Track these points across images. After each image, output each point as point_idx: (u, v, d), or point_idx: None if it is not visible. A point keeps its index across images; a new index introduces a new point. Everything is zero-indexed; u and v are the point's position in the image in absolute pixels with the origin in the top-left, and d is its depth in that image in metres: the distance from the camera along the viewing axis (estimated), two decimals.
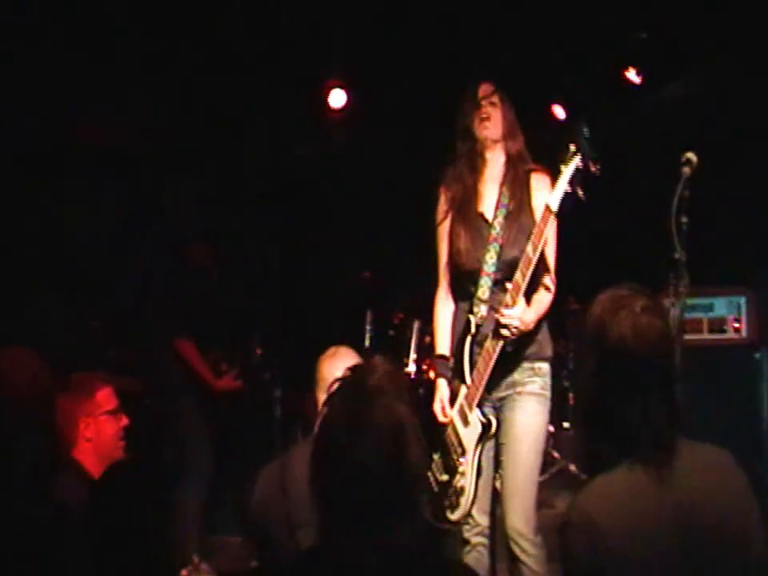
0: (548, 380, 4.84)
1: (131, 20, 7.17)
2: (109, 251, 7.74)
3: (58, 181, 7.55)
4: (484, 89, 4.96)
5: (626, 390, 3.02)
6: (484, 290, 4.85)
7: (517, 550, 4.64)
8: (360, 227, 8.15)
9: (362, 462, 2.68)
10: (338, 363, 4.33)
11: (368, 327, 7.47)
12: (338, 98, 8.28)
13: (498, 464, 4.83)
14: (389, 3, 7.54)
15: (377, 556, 2.66)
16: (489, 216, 4.92)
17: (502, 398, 4.81)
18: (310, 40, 7.70)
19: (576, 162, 4.64)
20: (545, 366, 4.84)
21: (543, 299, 4.84)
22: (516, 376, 4.81)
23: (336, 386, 2.86)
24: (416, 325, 7.10)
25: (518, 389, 4.79)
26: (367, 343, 7.44)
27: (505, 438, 4.79)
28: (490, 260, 4.84)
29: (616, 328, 3.04)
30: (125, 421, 4.74)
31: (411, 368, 6.89)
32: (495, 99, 4.94)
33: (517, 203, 4.86)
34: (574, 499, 3.04)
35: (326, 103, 8.27)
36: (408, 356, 6.97)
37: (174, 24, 7.33)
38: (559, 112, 8.24)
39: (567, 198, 4.65)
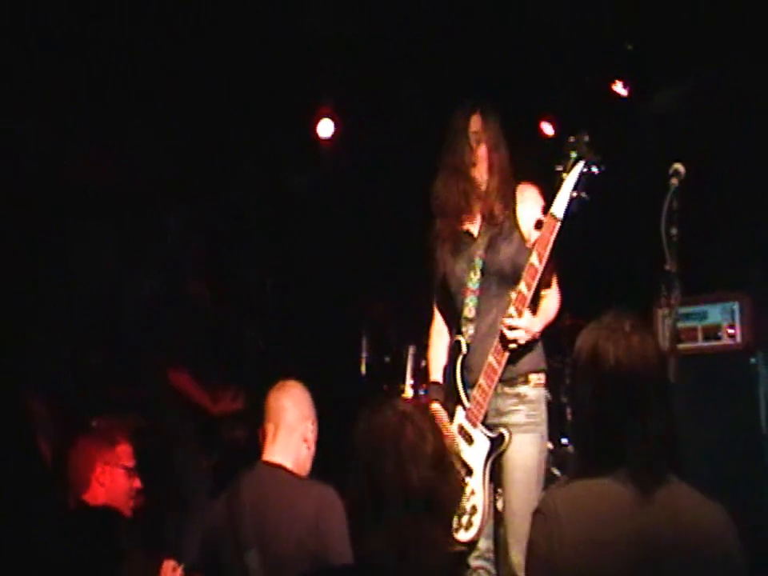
0: (537, 405, 4.81)
1: (123, 58, 7.22)
2: (108, 289, 7.76)
3: (57, 220, 7.57)
4: (474, 122, 4.97)
5: (625, 411, 3.02)
6: (470, 308, 4.87)
7: None
8: (353, 254, 8.16)
9: (409, 484, 2.83)
10: (284, 394, 4.67)
11: (364, 354, 7.48)
12: (326, 128, 8.31)
13: (497, 486, 4.82)
14: (375, 28, 7.57)
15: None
16: (474, 232, 4.95)
17: (493, 426, 4.79)
18: (298, 71, 7.73)
19: (579, 168, 4.68)
20: (531, 392, 4.80)
21: (549, 307, 4.87)
22: (499, 402, 4.80)
23: (372, 419, 3.00)
24: (411, 350, 7.09)
25: (503, 419, 4.77)
26: (363, 370, 7.46)
27: (499, 472, 4.78)
28: (474, 276, 4.86)
29: (611, 351, 3.05)
30: (137, 483, 4.85)
31: (408, 393, 6.88)
32: (484, 134, 4.96)
33: (502, 217, 4.89)
34: (548, 493, 3.08)
35: (315, 133, 8.30)
36: (404, 381, 6.97)
37: (165, 61, 7.38)
38: (548, 129, 8.25)
39: (573, 203, 4.68)
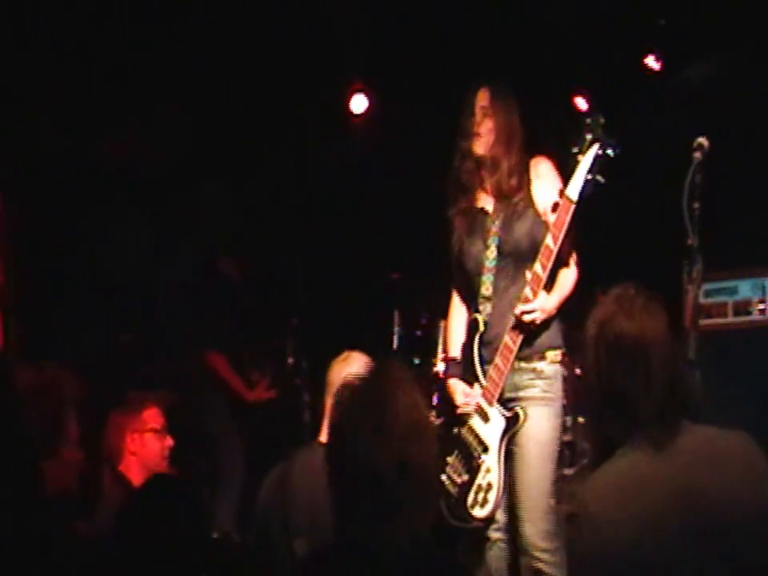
0: (553, 381, 4.83)
1: (147, 35, 7.27)
2: (139, 267, 7.83)
3: (87, 199, 7.64)
4: (481, 96, 4.98)
5: (632, 370, 3.08)
6: (487, 286, 4.89)
7: (534, 562, 4.67)
8: (385, 229, 8.17)
9: (374, 459, 2.74)
10: (349, 368, 4.35)
11: (396, 328, 7.49)
12: (359, 103, 8.31)
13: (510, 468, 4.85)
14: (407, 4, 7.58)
15: (386, 553, 2.72)
16: (489, 209, 4.96)
17: (509, 401, 4.82)
18: (330, 45, 7.74)
19: (594, 150, 4.68)
20: (548, 368, 4.82)
21: (565, 282, 4.87)
22: (516, 378, 4.82)
23: (348, 384, 2.91)
24: (443, 324, 7.07)
25: (520, 393, 4.80)
26: (395, 344, 7.48)
27: (513, 447, 4.81)
28: (491, 255, 4.88)
29: (616, 318, 3.12)
30: (169, 441, 4.95)
31: (439, 367, 6.89)
32: (490, 109, 4.96)
33: (514, 192, 4.90)
34: (579, 491, 3.08)
35: (347, 109, 8.30)
36: (435, 356, 6.98)
37: (192, 36, 7.41)
38: (581, 103, 8.22)
39: (588, 186, 4.68)
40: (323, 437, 4.39)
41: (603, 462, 3.11)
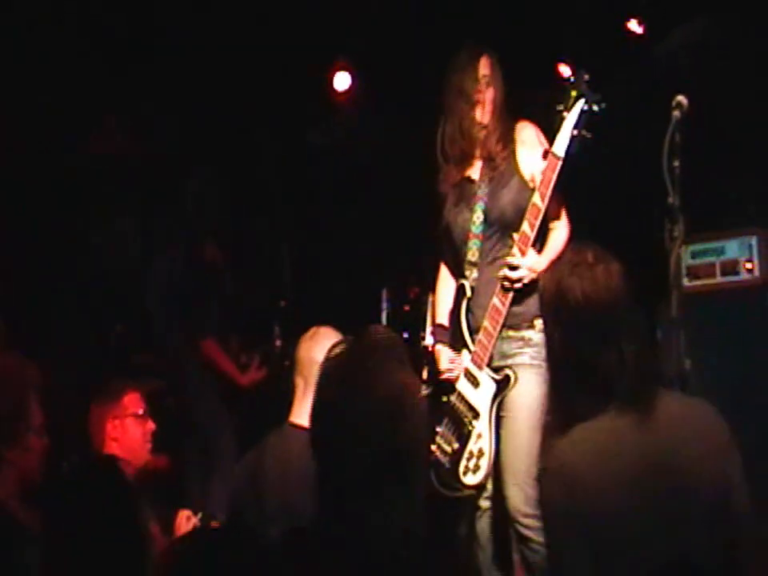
0: (542, 348, 4.69)
1: (134, 22, 7.25)
2: (130, 257, 7.82)
3: (78, 189, 7.63)
4: (483, 64, 4.95)
5: (600, 341, 3.05)
6: (473, 251, 4.87)
7: (520, 528, 4.64)
8: (372, 205, 8.15)
9: (357, 429, 2.60)
10: (316, 345, 4.32)
11: (384, 304, 7.48)
12: (342, 81, 8.25)
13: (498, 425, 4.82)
14: None
15: (368, 534, 2.60)
16: (475, 177, 4.93)
17: (497, 369, 4.79)
18: (313, 23, 7.69)
19: (579, 106, 4.67)
20: (536, 336, 4.76)
21: (556, 242, 4.85)
22: (504, 346, 4.78)
23: (334, 352, 2.75)
24: (431, 299, 7.06)
25: (509, 361, 4.77)
26: (384, 320, 7.47)
27: (502, 412, 4.78)
28: (477, 220, 4.85)
29: (576, 285, 3.08)
30: (151, 425, 4.93)
31: (428, 341, 6.87)
32: (492, 78, 4.94)
33: (501, 159, 4.86)
34: (552, 446, 3.05)
35: (331, 87, 8.24)
36: (424, 330, 6.96)
37: (179, 21, 7.39)
38: (565, 71, 8.16)
39: (574, 142, 4.67)
40: (294, 417, 4.34)
41: (567, 432, 3.07)
